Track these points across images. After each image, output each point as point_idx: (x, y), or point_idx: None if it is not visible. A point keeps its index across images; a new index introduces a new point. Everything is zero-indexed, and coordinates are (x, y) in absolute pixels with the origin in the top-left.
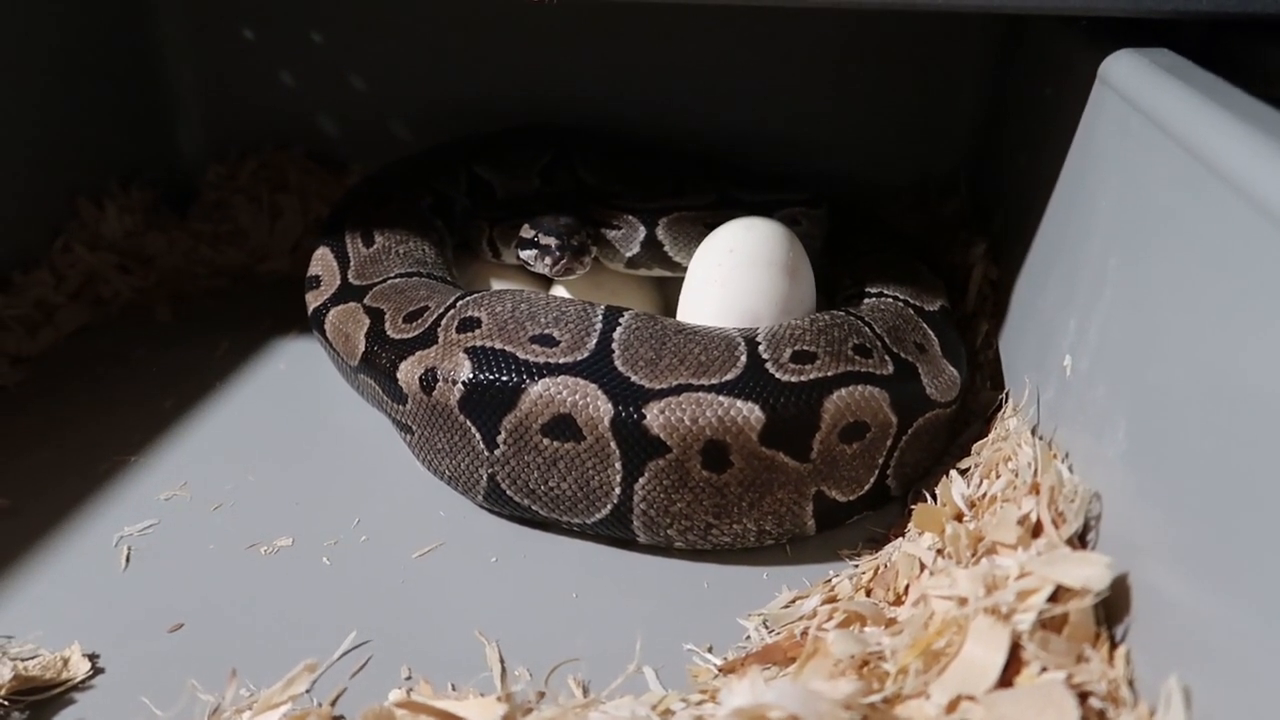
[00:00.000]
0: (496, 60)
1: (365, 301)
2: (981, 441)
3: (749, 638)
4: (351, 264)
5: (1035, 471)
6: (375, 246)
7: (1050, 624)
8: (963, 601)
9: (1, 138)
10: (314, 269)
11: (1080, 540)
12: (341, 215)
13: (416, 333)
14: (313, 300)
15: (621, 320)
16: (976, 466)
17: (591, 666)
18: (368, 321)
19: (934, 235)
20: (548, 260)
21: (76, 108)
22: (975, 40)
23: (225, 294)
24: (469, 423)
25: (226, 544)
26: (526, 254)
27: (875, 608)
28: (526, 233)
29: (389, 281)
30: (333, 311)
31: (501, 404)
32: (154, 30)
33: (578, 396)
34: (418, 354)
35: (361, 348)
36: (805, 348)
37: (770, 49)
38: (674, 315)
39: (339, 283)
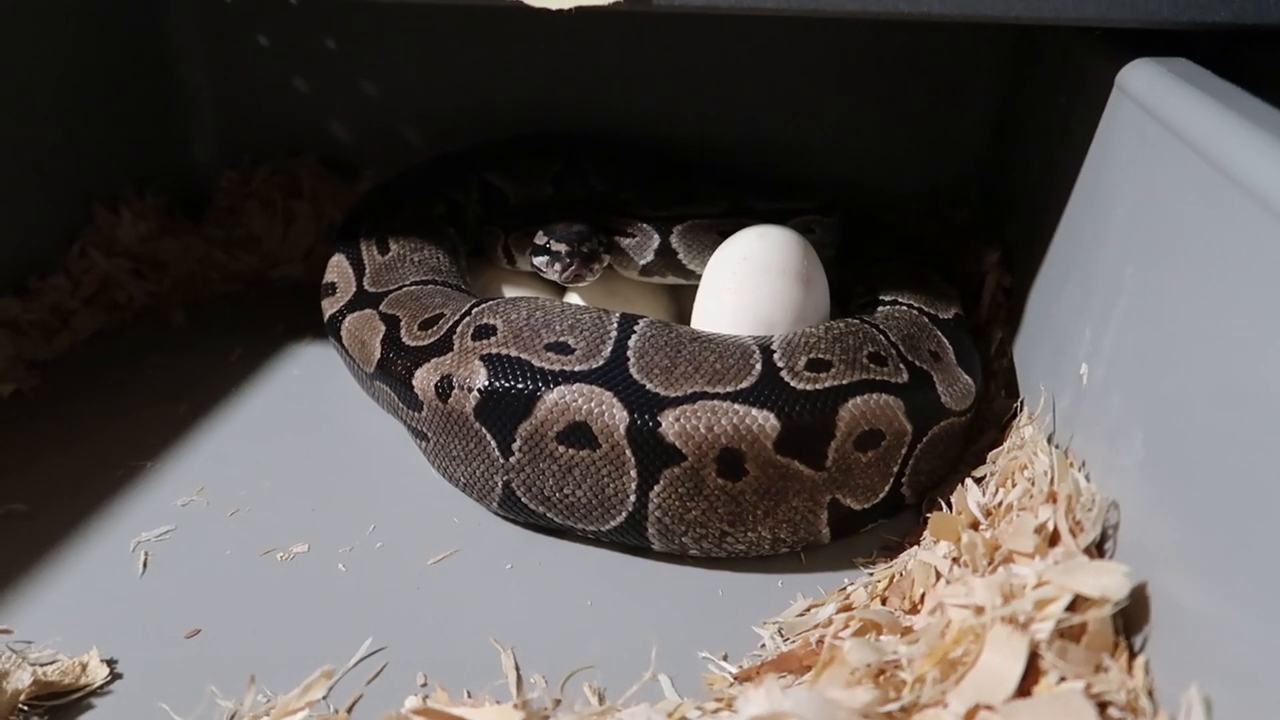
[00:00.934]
0: (509, 67)
1: (381, 308)
2: (997, 450)
3: (764, 646)
4: (367, 271)
5: (1052, 480)
6: (390, 254)
7: (1068, 633)
8: (980, 610)
9: (18, 144)
10: (329, 276)
11: (1098, 549)
12: (355, 223)
13: (432, 340)
14: (329, 307)
15: (636, 328)
16: (992, 475)
17: (607, 674)
18: (383, 328)
19: (947, 243)
20: (558, 266)
21: (91, 115)
22: (989, 48)
23: (239, 299)
24: (484, 430)
25: (243, 550)
26: (539, 260)
27: (891, 616)
28: (539, 239)
29: (405, 288)
30: (349, 318)
31: (517, 411)
32: (168, 37)
33: (593, 404)
34: (433, 361)
35: (377, 354)
36: (820, 356)
37: (783, 57)
38: (689, 323)
39: (355, 289)
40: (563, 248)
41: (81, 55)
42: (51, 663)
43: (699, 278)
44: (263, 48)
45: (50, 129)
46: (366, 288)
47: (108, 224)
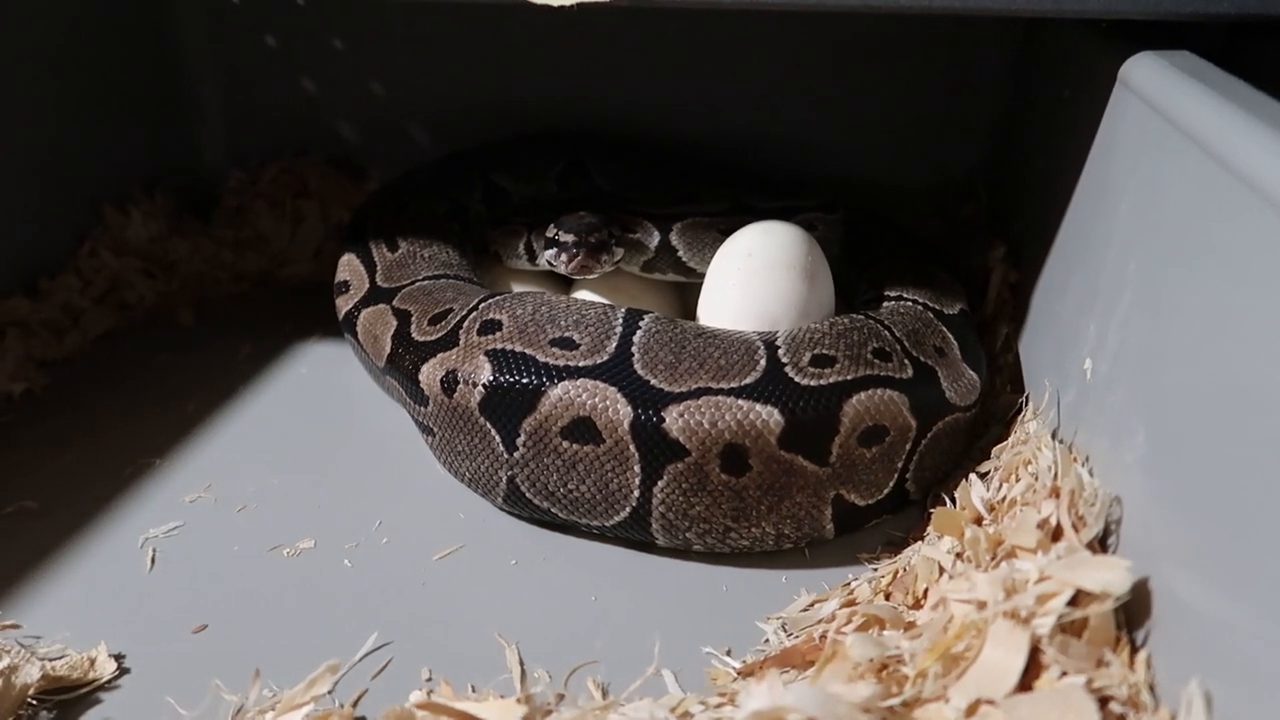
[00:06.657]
0: (513, 67)
1: (394, 303)
2: (1001, 445)
3: (768, 641)
4: (378, 268)
5: (1055, 475)
6: (400, 251)
7: (1070, 628)
8: (982, 605)
9: (27, 146)
10: (341, 275)
11: (1100, 544)
12: (362, 223)
13: (439, 335)
14: (344, 305)
15: (641, 323)
16: (996, 470)
17: (610, 669)
18: (395, 323)
19: (952, 238)
20: (564, 257)
21: (101, 116)
22: (993, 42)
23: (247, 298)
24: (489, 425)
25: (250, 546)
26: (549, 253)
27: (894, 611)
28: (549, 231)
29: (418, 283)
30: (363, 314)
31: (521, 407)
32: (176, 37)
33: (597, 399)
34: (439, 356)
35: (388, 349)
36: (824, 351)
37: (787, 53)
38: (694, 319)
39: (368, 286)
40: (570, 238)
41: (90, 56)
42: (60, 657)
43: (700, 276)
44: (270, 48)
45: (59, 130)
46: (379, 284)
47: (117, 224)
